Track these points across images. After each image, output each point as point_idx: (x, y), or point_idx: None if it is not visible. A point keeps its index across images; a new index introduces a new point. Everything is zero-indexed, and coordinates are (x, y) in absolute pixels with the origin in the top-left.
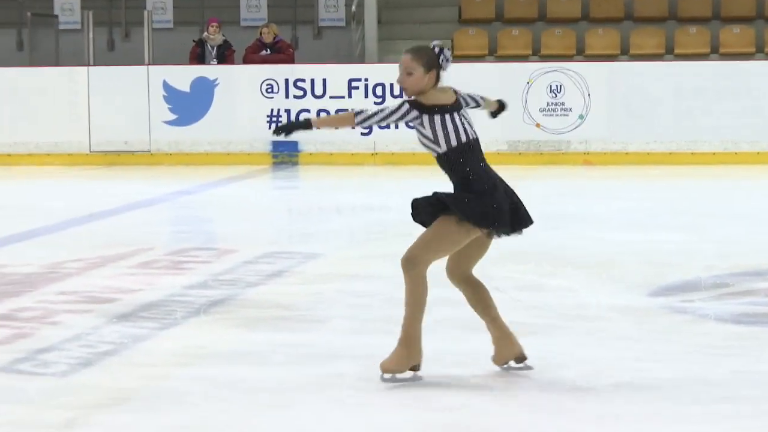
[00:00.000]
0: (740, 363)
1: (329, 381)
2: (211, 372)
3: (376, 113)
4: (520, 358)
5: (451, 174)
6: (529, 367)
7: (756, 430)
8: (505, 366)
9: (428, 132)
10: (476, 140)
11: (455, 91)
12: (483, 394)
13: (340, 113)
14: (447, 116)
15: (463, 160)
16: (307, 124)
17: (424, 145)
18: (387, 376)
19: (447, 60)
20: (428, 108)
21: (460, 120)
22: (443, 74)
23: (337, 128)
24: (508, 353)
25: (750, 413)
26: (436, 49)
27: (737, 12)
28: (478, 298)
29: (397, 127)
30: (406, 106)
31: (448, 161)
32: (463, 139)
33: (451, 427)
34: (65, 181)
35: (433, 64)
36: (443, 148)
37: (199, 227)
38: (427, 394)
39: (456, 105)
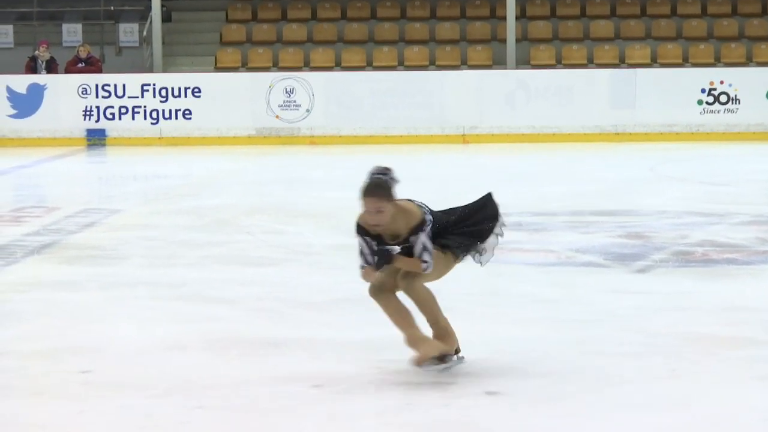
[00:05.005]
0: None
1: (129, 301)
2: (42, 296)
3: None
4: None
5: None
6: (461, 359)
7: None
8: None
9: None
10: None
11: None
12: (232, 308)
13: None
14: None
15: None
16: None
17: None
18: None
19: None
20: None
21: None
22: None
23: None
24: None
25: None
26: (383, 177)
27: (416, 36)
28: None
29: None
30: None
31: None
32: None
33: (212, 333)
34: None
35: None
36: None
37: (34, 191)
38: (199, 309)
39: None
